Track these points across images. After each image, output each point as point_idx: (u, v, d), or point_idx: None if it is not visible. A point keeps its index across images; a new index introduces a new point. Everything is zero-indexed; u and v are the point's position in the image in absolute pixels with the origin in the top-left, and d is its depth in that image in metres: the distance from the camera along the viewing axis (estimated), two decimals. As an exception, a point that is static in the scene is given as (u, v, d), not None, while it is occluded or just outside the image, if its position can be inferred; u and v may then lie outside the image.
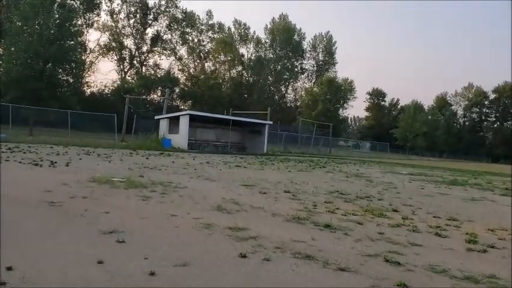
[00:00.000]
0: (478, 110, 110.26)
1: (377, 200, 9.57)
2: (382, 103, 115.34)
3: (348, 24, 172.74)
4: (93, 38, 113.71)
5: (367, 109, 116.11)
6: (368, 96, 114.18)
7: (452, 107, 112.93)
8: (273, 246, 4.75)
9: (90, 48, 69.62)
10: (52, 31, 34.22)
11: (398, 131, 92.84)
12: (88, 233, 4.75)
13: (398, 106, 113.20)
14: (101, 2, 68.88)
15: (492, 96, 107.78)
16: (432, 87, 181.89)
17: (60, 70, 35.66)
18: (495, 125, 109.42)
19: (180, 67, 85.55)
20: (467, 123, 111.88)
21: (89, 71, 66.97)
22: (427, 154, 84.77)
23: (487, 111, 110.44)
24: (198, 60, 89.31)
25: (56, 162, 11.93)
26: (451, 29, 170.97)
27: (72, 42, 38.95)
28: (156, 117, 30.53)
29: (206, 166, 15.51)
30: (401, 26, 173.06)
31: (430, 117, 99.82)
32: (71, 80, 38.18)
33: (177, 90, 78.41)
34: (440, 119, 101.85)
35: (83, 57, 63.05)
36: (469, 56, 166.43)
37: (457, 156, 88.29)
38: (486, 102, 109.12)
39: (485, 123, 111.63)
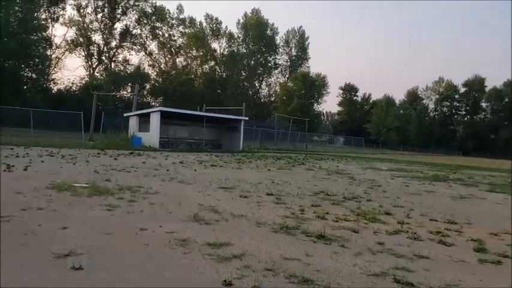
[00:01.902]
0: (448, 103, 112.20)
1: (366, 201, 8.96)
2: (355, 98, 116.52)
3: (320, 20, 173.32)
4: (59, 33, 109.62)
5: (340, 104, 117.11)
6: (340, 91, 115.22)
7: (424, 101, 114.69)
8: (263, 268, 3.99)
9: (56, 44, 67.01)
10: (12, 25, 32.18)
11: (371, 126, 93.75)
12: (37, 258, 3.88)
13: (371, 101, 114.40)
14: (66, -4, 66.28)
15: (462, 89, 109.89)
16: (403, 82, 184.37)
17: (22, 66, 33.59)
18: (465, 119, 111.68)
19: (151, 62, 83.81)
20: (438, 117, 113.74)
21: (55, 67, 64.51)
22: (400, 148, 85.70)
23: (457, 104, 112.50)
24: (169, 56, 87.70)
25: (13, 166, 10.82)
26: (420, 23, 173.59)
27: (36, 37, 36.89)
28: (125, 115, 29.23)
29: (180, 166, 14.60)
30: (372, 20, 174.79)
31: (402, 111, 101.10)
32: (35, 77, 36.07)
33: (148, 86, 76.69)
34: (412, 113, 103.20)
35: (49, 53, 60.63)
36: (440, 50, 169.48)
37: (429, 150, 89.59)
38: (456, 96, 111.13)
39: (455, 116, 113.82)
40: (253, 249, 4.61)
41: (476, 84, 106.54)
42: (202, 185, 9.84)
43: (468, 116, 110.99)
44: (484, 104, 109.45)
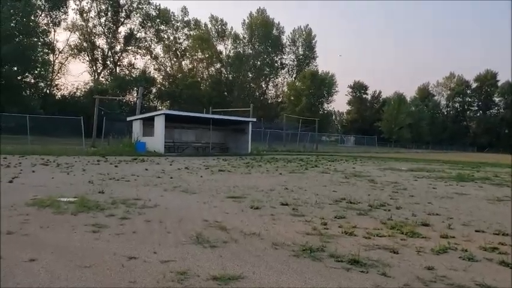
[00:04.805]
0: (460, 99, 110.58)
1: (395, 208, 7.87)
2: (364, 96, 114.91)
3: (327, 17, 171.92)
4: (62, 38, 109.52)
5: (349, 103, 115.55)
6: (350, 90, 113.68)
7: (435, 98, 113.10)
8: (287, 316, 2.95)
9: (59, 49, 66.59)
10: (9, 28, 31.20)
11: (383, 124, 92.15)
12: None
13: (381, 98, 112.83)
14: (68, 0, 65.83)
15: (474, 85, 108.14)
16: (413, 78, 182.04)
17: (19, 71, 32.69)
18: (478, 114, 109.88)
19: (156, 66, 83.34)
20: (450, 113, 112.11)
21: (58, 72, 64.14)
22: (413, 146, 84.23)
23: (469, 100, 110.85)
24: (175, 59, 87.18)
25: (-2, 178, 9.87)
26: (429, 18, 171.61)
27: (36, 42, 35.96)
28: (128, 119, 28.29)
29: (185, 173, 13.60)
30: (378, 17, 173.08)
31: (413, 108, 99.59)
32: (33, 82, 35.17)
33: (154, 90, 76.16)
34: (424, 110, 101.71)
35: (51, 58, 60.23)
36: (450, 45, 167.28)
37: (443, 147, 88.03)
38: (468, 91, 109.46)
39: (468, 112, 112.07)
40: (272, 284, 3.58)
41: (488, 79, 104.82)
42: (208, 194, 8.82)
43: (481, 112, 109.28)
44: (496, 99, 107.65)
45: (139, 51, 77.87)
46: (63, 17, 65.38)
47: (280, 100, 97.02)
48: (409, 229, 5.96)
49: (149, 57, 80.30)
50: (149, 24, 77.04)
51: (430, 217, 7.12)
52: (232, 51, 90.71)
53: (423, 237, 5.62)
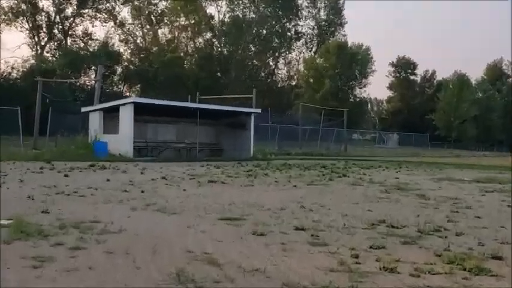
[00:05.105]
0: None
1: (454, 235, 7.89)
2: (412, 77, 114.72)
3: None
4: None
5: (391, 87, 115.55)
6: (391, 69, 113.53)
7: (511, 79, 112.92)
8: None
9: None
10: None
11: (438, 116, 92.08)
12: None
13: (435, 81, 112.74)
14: None
15: None
16: (481, 53, 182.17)
17: None
18: None
19: (122, 37, 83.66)
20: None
21: (-14, 46, 64.66)
22: (480, 147, 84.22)
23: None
24: (148, 26, 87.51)
25: None
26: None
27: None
28: (83, 110, 28.51)
29: (162, 184, 13.83)
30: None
31: (481, 94, 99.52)
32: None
33: (119, 70, 76.50)
34: (495, 96, 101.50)
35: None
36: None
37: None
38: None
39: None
40: None
41: None
42: (194, 214, 8.94)
43: None
44: None
45: (99, 15, 78.29)
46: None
47: (294, 83, 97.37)
48: (474, 264, 5.99)
49: (112, 24, 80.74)
50: (112, -22, 77.52)
51: (503, 247, 7.15)
52: (227, 16, 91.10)
53: (493, 274, 5.65)
